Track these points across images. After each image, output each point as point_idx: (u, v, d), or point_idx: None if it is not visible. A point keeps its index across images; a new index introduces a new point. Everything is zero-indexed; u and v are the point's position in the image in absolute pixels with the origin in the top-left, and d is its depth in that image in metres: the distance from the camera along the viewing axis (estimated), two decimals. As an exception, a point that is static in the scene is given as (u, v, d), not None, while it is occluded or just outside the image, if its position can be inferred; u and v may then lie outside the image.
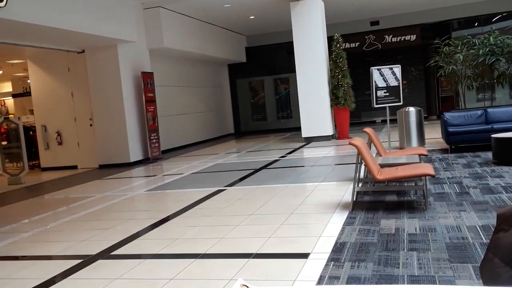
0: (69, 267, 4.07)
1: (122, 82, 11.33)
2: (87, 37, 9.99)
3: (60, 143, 12.24)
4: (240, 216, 5.27)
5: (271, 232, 4.50)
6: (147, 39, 12.31)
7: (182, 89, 15.39)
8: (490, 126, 8.39)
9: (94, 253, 4.40)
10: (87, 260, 4.21)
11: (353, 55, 15.49)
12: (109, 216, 6.11)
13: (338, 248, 3.85)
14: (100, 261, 4.17)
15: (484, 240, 3.67)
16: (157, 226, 5.25)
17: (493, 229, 2.42)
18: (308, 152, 11.07)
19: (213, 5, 13.14)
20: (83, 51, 11.50)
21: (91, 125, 11.75)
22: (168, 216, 5.69)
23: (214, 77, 18.13)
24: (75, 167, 12.03)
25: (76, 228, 5.58)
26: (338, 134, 13.02)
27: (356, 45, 17.09)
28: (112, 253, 4.40)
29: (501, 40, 9.66)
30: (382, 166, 5.55)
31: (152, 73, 12.19)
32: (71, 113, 12.05)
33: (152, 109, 12.00)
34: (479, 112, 8.88)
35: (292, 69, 13.30)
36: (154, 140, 11.98)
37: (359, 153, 5.03)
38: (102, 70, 11.38)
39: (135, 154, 11.58)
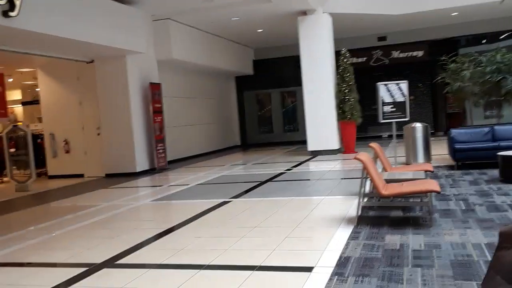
0: (74, 275, 4.09)
1: (130, 92, 11.43)
2: (97, 47, 10.11)
3: (67, 151, 12.35)
4: (245, 228, 5.28)
5: (275, 245, 4.50)
6: (156, 50, 12.43)
7: (189, 100, 15.49)
8: (497, 144, 8.37)
9: (99, 261, 4.42)
10: (92, 269, 4.23)
11: (360, 70, 15.55)
12: (115, 225, 6.13)
13: (342, 262, 3.85)
14: (105, 270, 4.19)
15: (489, 258, 3.65)
16: (162, 236, 5.27)
17: (496, 246, 2.42)
18: (314, 166, 11.08)
19: (221, 18, 13.28)
20: (93, 61, 11.63)
21: (98, 134, 11.84)
22: (173, 227, 5.72)
23: (221, 89, 18.24)
24: (81, 176, 12.10)
25: (82, 236, 5.61)
26: (345, 148, 13.02)
27: (363, 60, 17.17)
28: (117, 262, 4.42)
29: (508, 58, 9.68)
30: (388, 181, 5.56)
31: (160, 84, 12.30)
32: (79, 122, 12.16)
33: (159, 120, 12.08)
34: (486, 129, 8.87)
35: (299, 82, 13.37)
36: (161, 151, 12.04)
37: (365, 168, 5.04)
38: (111, 80, 11.50)
39: (141, 164, 11.63)
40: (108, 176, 11.58)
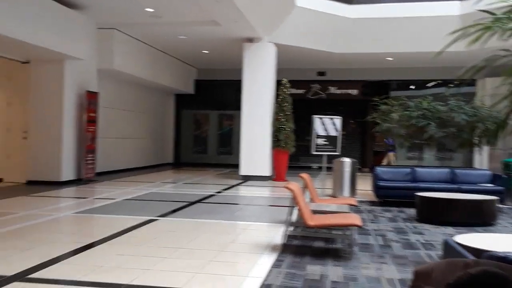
0: (-20, 287, 3.84)
1: (65, 98, 11.04)
2: (34, 48, 9.72)
3: (-13, 153, 11.62)
4: (169, 249, 5.22)
5: (198, 268, 4.49)
6: (97, 58, 12.14)
7: (126, 113, 15.18)
8: (416, 184, 8.91)
9: (9, 274, 4.19)
10: (1, 282, 3.99)
11: (298, 101, 16.01)
12: (31, 237, 5.82)
13: (263, 289, 3.91)
14: (14, 284, 3.96)
15: (399, 294, 3.86)
16: (81, 252, 5.08)
17: (409, 284, 2.58)
18: (244, 191, 11.18)
19: (168, 35, 13.26)
20: (28, 62, 11.13)
21: (25, 138, 11.26)
22: (94, 242, 5.53)
23: (160, 104, 18.06)
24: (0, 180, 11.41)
25: (-7, 246, 5.28)
26: (275, 176, 13.25)
27: (302, 92, 17.74)
28: (29, 276, 4.20)
29: (433, 106, 10.38)
30: (314, 212, 5.74)
31: (98, 93, 11.99)
32: (4, 123, 11.53)
33: (92, 130, 11.72)
34: (408, 170, 9.42)
35: (238, 106, 13.55)
36: (90, 161, 11.65)
37: (294, 197, 5.19)
38: (46, 84, 11.05)
39: (68, 173, 11.17)
40: (30, 183, 10.99)
